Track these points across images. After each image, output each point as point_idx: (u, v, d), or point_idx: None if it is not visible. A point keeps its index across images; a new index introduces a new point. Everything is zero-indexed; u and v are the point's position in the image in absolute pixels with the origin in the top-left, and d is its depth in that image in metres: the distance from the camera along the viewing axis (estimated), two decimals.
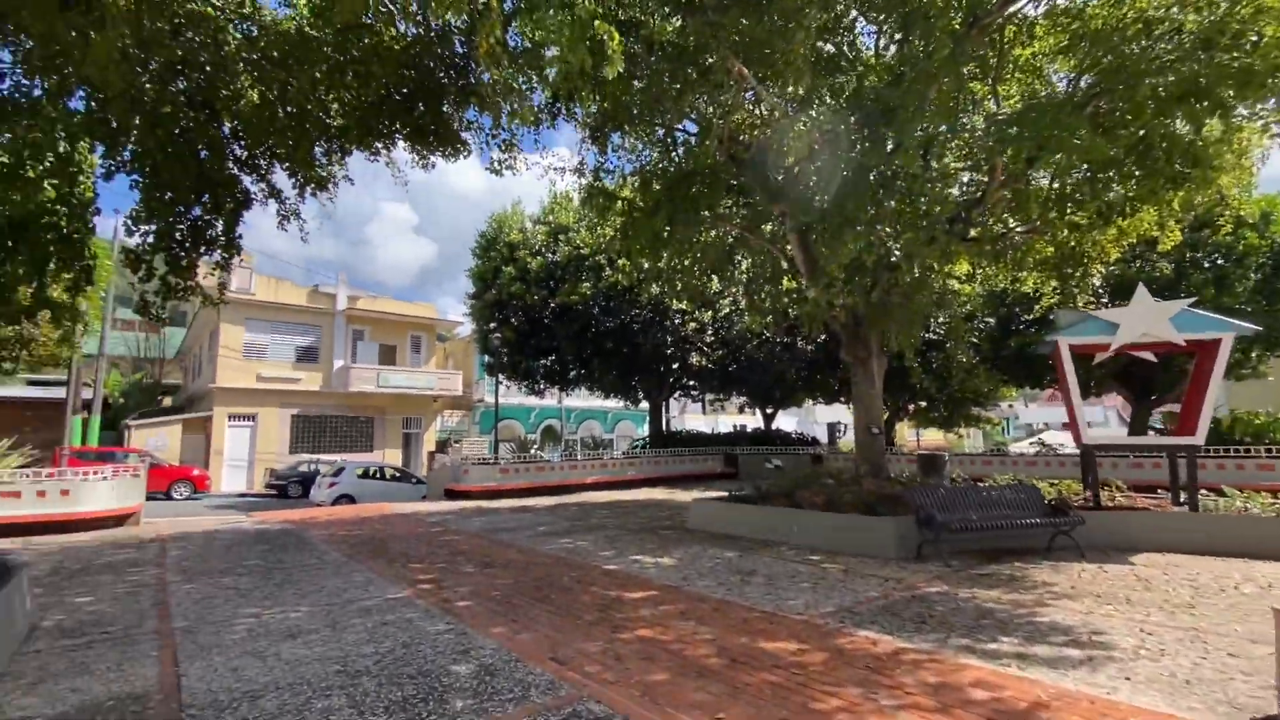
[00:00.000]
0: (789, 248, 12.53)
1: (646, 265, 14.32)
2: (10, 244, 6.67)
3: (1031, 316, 17.33)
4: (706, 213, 11.83)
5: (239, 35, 6.96)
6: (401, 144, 9.03)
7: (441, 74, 7.68)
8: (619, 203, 12.54)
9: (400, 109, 8.14)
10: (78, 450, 17.25)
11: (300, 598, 6.10)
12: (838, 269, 9.14)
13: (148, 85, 6.20)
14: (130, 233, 7.00)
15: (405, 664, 4.23)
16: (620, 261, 18.08)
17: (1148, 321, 8.36)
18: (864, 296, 10.54)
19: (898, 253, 9.77)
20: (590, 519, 12.12)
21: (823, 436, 35.67)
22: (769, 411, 26.87)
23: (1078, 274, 11.98)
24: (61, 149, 6.47)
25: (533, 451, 20.63)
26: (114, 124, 6.37)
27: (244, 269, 23.42)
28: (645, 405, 25.23)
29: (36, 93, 6.72)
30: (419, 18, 6.89)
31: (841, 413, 36.62)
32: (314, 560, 8.06)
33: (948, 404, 22.88)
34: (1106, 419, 52.55)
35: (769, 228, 13.21)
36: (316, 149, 8.91)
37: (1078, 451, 18.79)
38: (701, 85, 9.06)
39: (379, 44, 6.89)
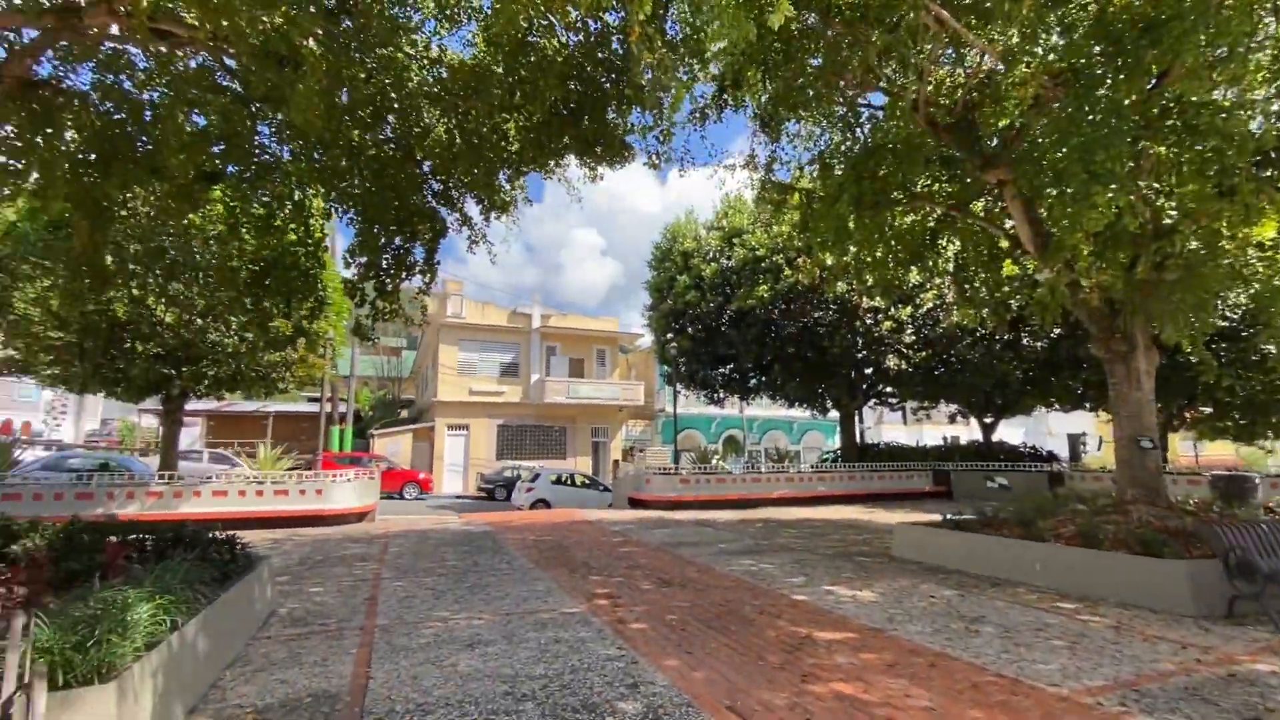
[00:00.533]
0: (1009, 224, 10.53)
1: (830, 261, 13.09)
2: (265, 283, 7.94)
3: None
4: (900, 194, 10.40)
5: (429, 77, 7.55)
6: (573, 161, 9.19)
7: (604, 79, 7.59)
8: (795, 195, 11.60)
9: (568, 123, 8.23)
10: (334, 455, 20.69)
11: (485, 604, 6.22)
12: (1083, 239, 7.26)
13: (355, 130, 6.97)
14: (347, 265, 7.96)
15: (572, 692, 3.92)
16: (799, 260, 16.97)
17: None
18: (1122, 274, 8.33)
19: (1173, 213, 7.50)
20: (776, 538, 11.22)
21: (1060, 450, 30.11)
22: (987, 421, 23.27)
23: None
24: (297, 196, 7.55)
25: (713, 462, 20.12)
26: (332, 169, 7.27)
27: (455, 296, 26.45)
28: (835, 415, 23.40)
29: (285, 155, 7.97)
30: (577, 23, 6.85)
31: (1084, 421, 30.68)
32: (504, 565, 8.36)
33: (1245, 408, 17.71)
34: None
35: (980, 204, 11.24)
36: (500, 175, 9.46)
37: None
38: (892, 45, 7.87)
39: (543, 59, 6.98)
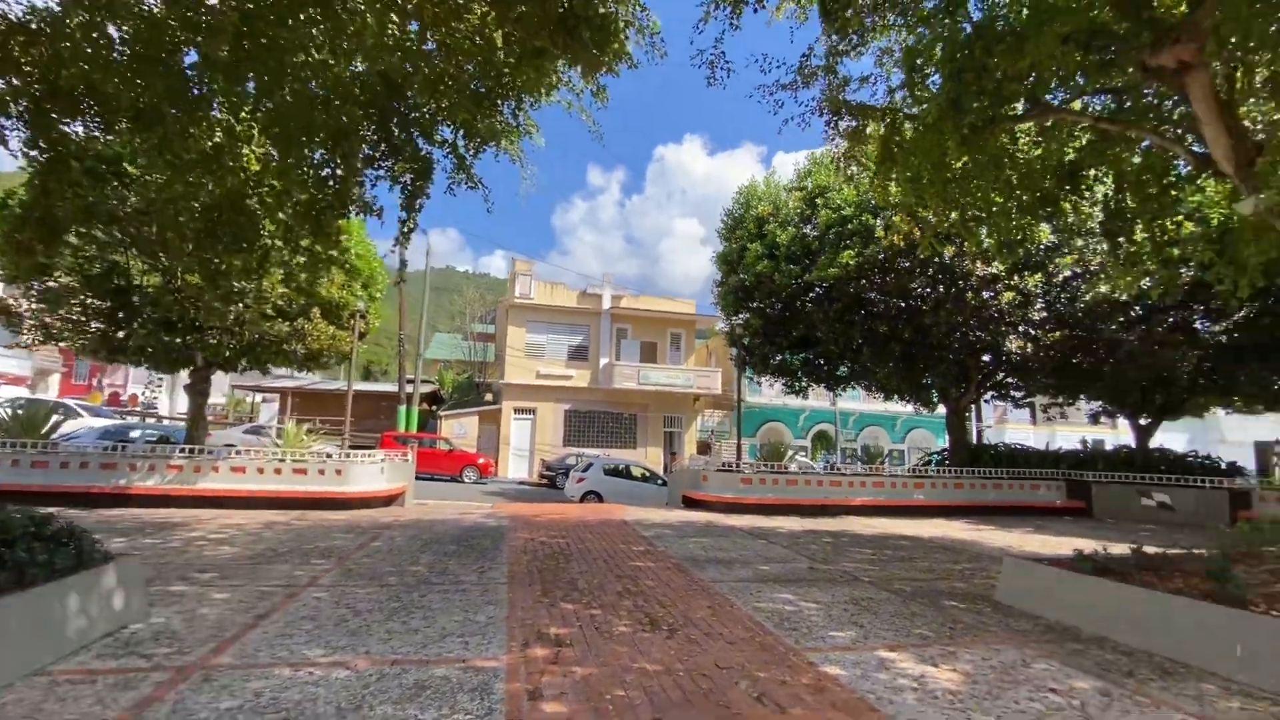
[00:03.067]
0: (1188, 140, 7.41)
1: (929, 213, 10.33)
2: (215, 232, 6.84)
3: None
4: (1026, 103, 7.57)
5: None
6: (571, 75, 7.41)
7: None
8: (874, 121, 9.01)
9: (555, 20, 6.40)
10: (395, 435, 20.34)
11: (384, 640, 4.58)
12: None
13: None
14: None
15: None
16: (894, 218, 14.07)
17: None
18: None
19: None
20: (841, 560, 8.82)
21: (1246, 462, 24.41)
22: (1143, 423, 18.87)
23: None
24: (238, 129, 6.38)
25: (787, 459, 17.61)
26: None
27: (525, 276, 25.51)
28: (943, 410, 19.94)
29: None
30: None
31: (1273, 427, 24.78)
32: (472, 578, 6.75)
33: None
34: None
35: (1150, 116, 8.04)
36: (500, 104, 7.84)
37: None
38: None
39: None
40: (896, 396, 20.25)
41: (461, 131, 7.63)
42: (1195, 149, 6.97)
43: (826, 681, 4.13)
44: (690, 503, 14.85)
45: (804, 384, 21.48)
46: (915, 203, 9.86)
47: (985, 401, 25.14)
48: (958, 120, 7.39)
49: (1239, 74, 6.43)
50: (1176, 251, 9.91)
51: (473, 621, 5.13)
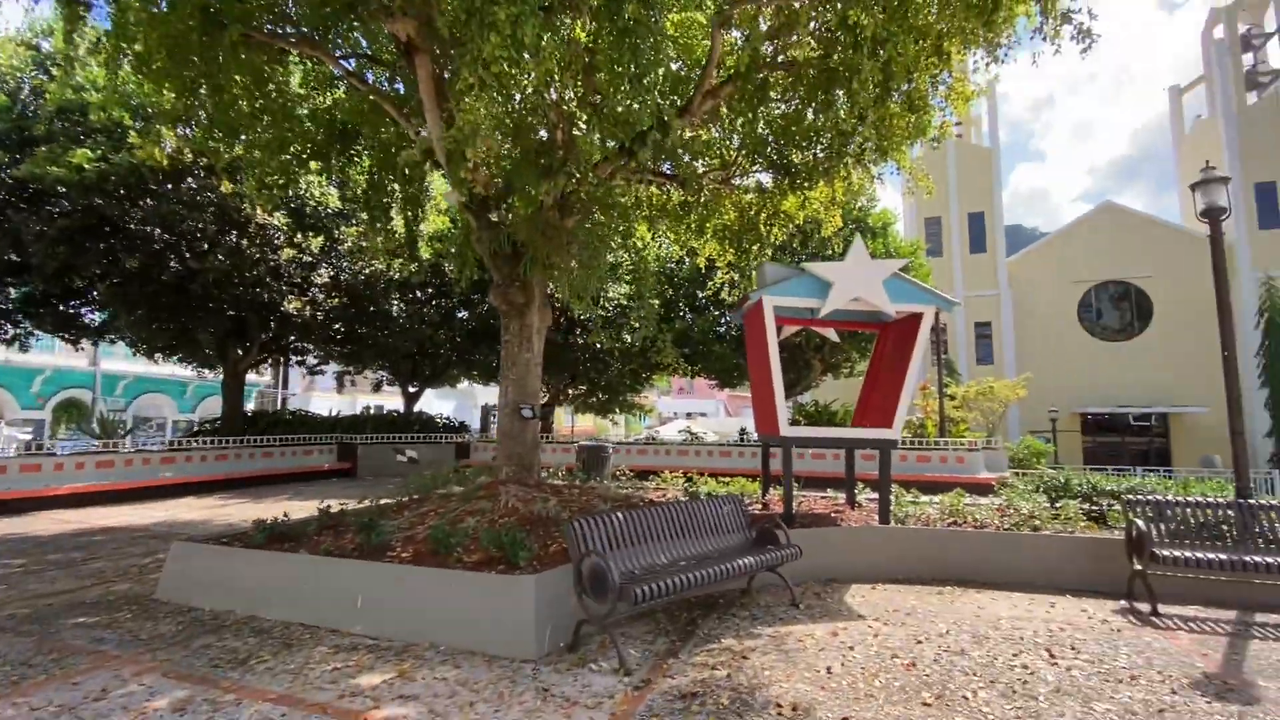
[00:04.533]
0: (418, 125, 8.11)
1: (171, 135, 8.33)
2: None
3: (705, 293, 16.34)
4: (241, 26, 6.48)
5: None
6: None
7: None
8: None
9: None
10: None
11: None
12: (488, 124, 5.14)
13: None
14: None
15: None
16: (159, 127, 11.06)
17: (862, 283, 6.62)
18: (527, 208, 6.86)
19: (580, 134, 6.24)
20: None
21: (476, 421, 32.10)
22: (412, 390, 21.81)
23: (754, 248, 10.57)
24: None
25: None
26: None
27: None
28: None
29: None
30: None
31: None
32: None
33: (607, 388, 21.45)
34: (718, 410, 60.79)
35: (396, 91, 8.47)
36: None
37: (728, 440, 18.99)
38: None
39: None
40: (165, 354, 16.61)
41: None
42: (424, 133, 7.55)
43: None
44: None
45: (28, 331, 15.06)
46: (167, 103, 7.64)
47: (294, 366, 24.12)
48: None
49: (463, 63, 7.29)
50: (421, 238, 11.22)
51: None
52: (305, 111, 8.84)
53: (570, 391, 23.20)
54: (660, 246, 14.97)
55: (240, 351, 16.10)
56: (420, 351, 18.80)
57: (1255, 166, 25.84)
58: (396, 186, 9.55)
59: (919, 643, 4.21)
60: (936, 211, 30.15)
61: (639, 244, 11.63)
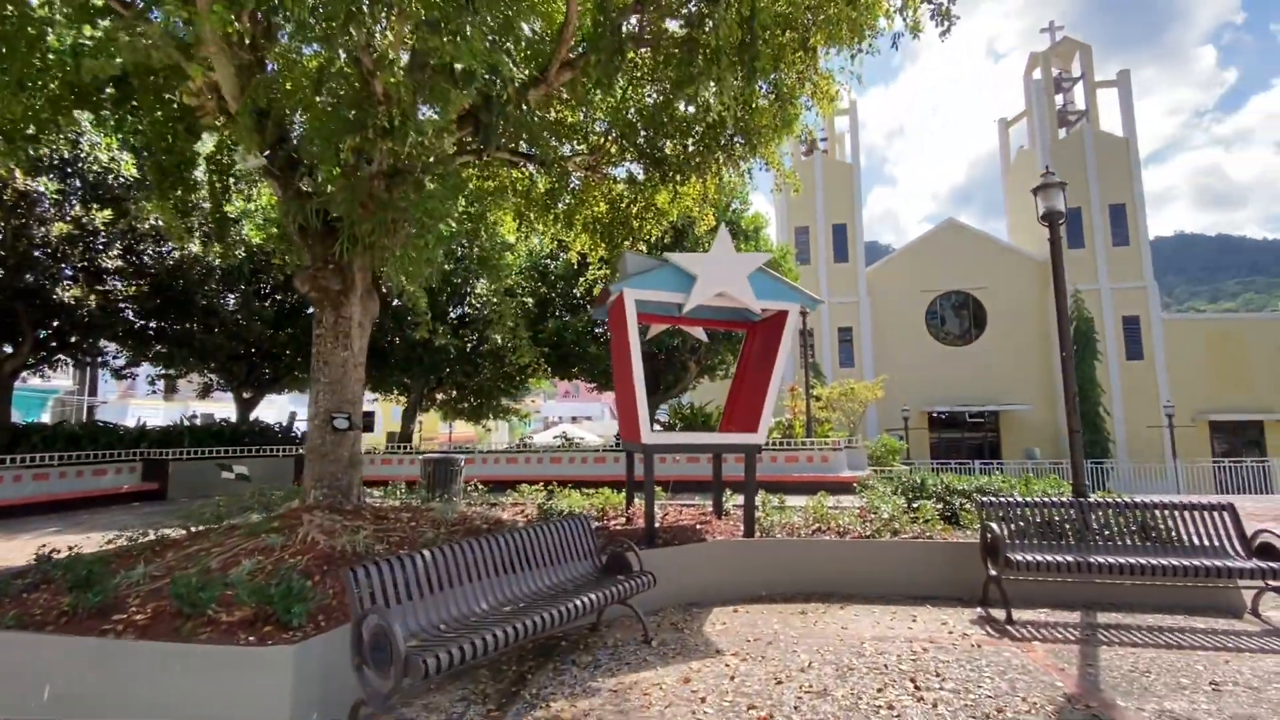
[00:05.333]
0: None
1: None
2: None
3: (577, 292, 15.53)
4: None
5: None
6: None
7: None
8: None
9: None
10: None
11: None
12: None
13: None
14: None
15: None
16: None
17: (727, 277, 6.15)
18: (340, 176, 5.69)
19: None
20: None
21: None
22: (247, 396, 19.01)
23: (626, 243, 9.99)
24: None
25: None
26: None
27: None
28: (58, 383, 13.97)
29: None
30: None
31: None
32: None
33: (478, 392, 20.03)
34: (603, 413, 60.19)
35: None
36: None
37: (606, 445, 18.09)
38: None
39: None
40: None
41: None
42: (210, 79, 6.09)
43: None
44: None
45: None
46: None
47: (101, 369, 20.14)
48: None
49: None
50: (248, 218, 9.46)
51: None
52: (63, 42, 6.94)
53: (438, 396, 21.43)
54: (530, 239, 14.04)
55: (10, 350, 12.96)
56: (258, 352, 16.35)
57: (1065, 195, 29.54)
58: (194, 147, 7.83)
59: (779, 683, 3.66)
60: (805, 221, 31.64)
61: (495, 230, 10.66)
